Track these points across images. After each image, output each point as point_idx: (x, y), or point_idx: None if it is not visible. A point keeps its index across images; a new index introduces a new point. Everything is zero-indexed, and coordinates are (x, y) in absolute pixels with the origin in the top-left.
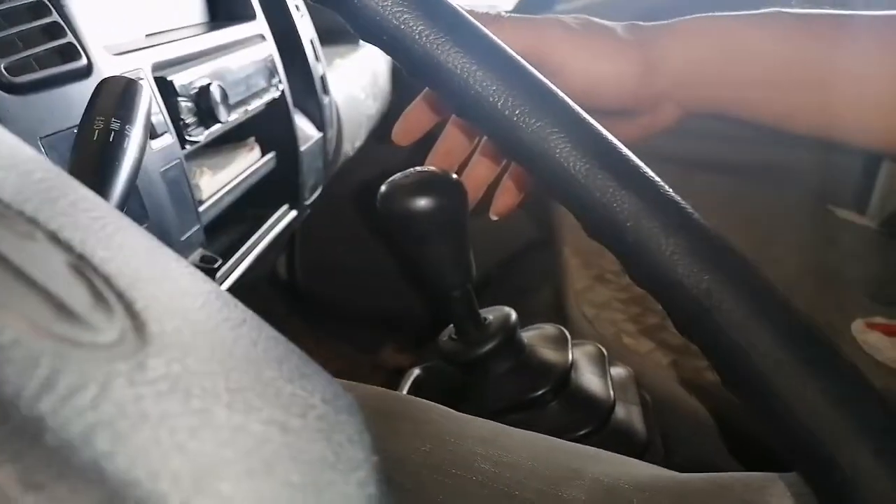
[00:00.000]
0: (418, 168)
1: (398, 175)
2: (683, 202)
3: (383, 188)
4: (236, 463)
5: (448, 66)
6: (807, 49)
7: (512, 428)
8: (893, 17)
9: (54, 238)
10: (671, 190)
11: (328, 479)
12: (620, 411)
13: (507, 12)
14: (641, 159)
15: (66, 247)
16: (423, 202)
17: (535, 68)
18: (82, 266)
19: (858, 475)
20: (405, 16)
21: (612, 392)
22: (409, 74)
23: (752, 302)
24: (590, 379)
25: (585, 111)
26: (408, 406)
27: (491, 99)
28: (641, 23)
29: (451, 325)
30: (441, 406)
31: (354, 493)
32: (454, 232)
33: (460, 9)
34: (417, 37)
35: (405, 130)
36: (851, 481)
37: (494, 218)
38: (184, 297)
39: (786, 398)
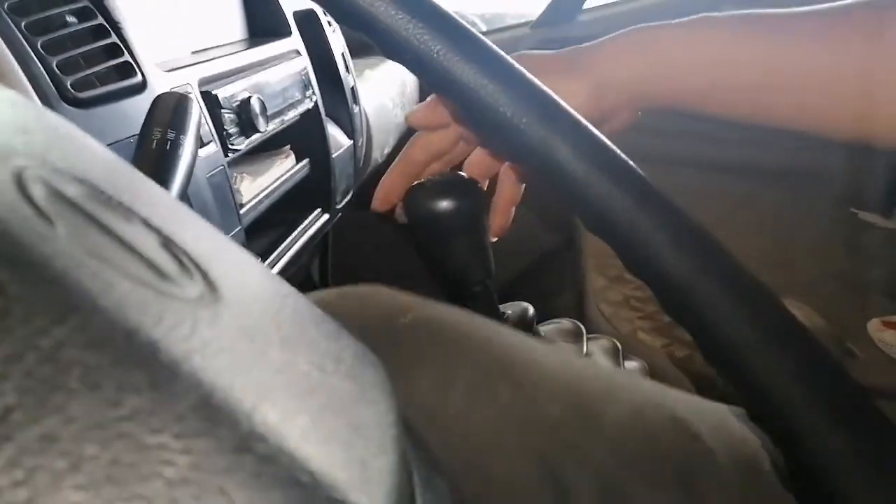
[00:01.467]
0: (440, 174)
1: (422, 181)
2: (668, 198)
3: (408, 193)
4: (287, 386)
5: (462, 80)
6: (738, 48)
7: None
8: (821, 10)
9: (146, 223)
10: (659, 187)
11: (355, 407)
12: None
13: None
14: (661, 162)
15: (154, 229)
16: (445, 204)
17: None
18: (168, 243)
19: (819, 447)
20: (425, 36)
21: None
22: (429, 87)
23: (724, 284)
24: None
25: None
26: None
27: (500, 109)
28: (580, 46)
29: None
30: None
31: (376, 419)
32: (474, 230)
33: (474, 30)
34: (435, 55)
35: (384, 199)
36: (813, 452)
37: (494, 239)
38: (242, 270)
39: (753, 373)
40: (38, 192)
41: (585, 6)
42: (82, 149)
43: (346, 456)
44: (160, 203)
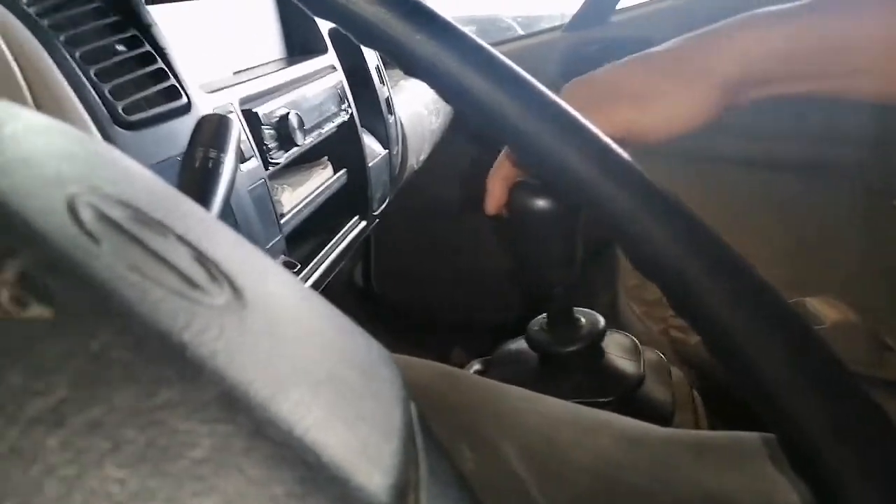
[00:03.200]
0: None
1: (526, 179)
2: (673, 195)
3: (513, 189)
4: (303, 380)
5: (476, 92)
6: (858, 29)
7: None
8: None
9: (180, 238)
10: (663, 186)
11: (365, 399)
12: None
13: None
14: (696, 159)
15: (187, 243)
16: (547, 203)
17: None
18: (200, 257)
19: (819, 440)
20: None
21: (673, 402)
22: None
23: (726, 281)
24: (654, 388)
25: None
26: (457, 371)
27: (511, 118)
28: (689, 38)
29: (545, 316)
30: (485, 378)
31: (384, 410)
32: (569, 233)
33: (493, 49)
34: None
35: (495, 205)
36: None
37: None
38: (267, 277)
39: (754, 366)
40: (87, 215)
41: (619, 7)
42: (125, 172)
43: (353, 442)
44: (195, 219)
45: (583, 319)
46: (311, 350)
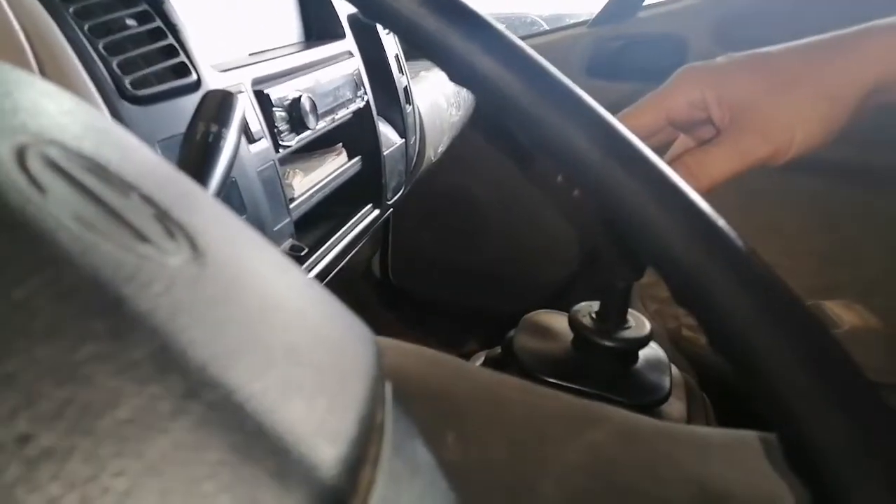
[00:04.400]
0: None
1: None
2: (682, 185)
3: None
4: (258, 347)
5: (510, 93)
6: None
7: (545, 387)
8: None
9: (145, 198)
10: (672, 174)
11: (328, 370)
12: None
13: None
14: None
15: (152, 203)
16: None
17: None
18: (162, 216)
19: (825, 443)
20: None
21: (688, 419)
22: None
23: (734, 273)
24: (676, 405)
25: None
26: (452, 358)
27: (529, 110)
28: (815, 46)
29: (598, 303)
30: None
31: (346, 382)
32: None
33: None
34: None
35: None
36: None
37: None
38: (239, 244)
39: (758, 362)
40: (35, 165)
41: (646, 3)
42: (103, 133)
43: (305, 414)
44: (170, 184)
45: (632, 322)
46: (274, 321)
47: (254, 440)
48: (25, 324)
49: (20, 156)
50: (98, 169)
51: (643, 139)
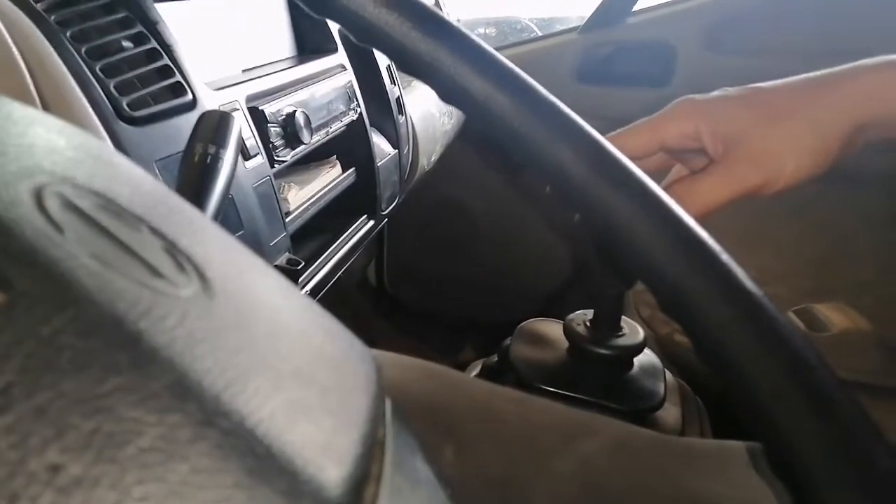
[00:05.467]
0: None
1: None
2: (665, 198)
3: None
4: (266, 372)
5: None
6: None
7: (538, 397)
8: None
9: (154, 230)
10: (656, 188)
11: (332, 392)
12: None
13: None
14: None
15: (160, 235)
16: None
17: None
18: (171, 248)
19: (802, 447)
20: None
21: (682, 427)
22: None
23: (715, 284)
24: (671, 411)
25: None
26: (447, 371)
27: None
28: (806, 83)
29: (591, 311)
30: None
31: (350, 403)
32: None
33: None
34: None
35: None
36: (793, 452)
37: None
38: (243, 271)
39: (740, 371)
40: (53, 205)
41: (634, 8)
42: (107, 166)
43: (311, 435)
44: (175, 214)
45: (626, 329)
46: (279, 345)
47: (266, 463)
48: (52, 359)
49: (38, 197)
50: (109, 205)
51: (633, 160)
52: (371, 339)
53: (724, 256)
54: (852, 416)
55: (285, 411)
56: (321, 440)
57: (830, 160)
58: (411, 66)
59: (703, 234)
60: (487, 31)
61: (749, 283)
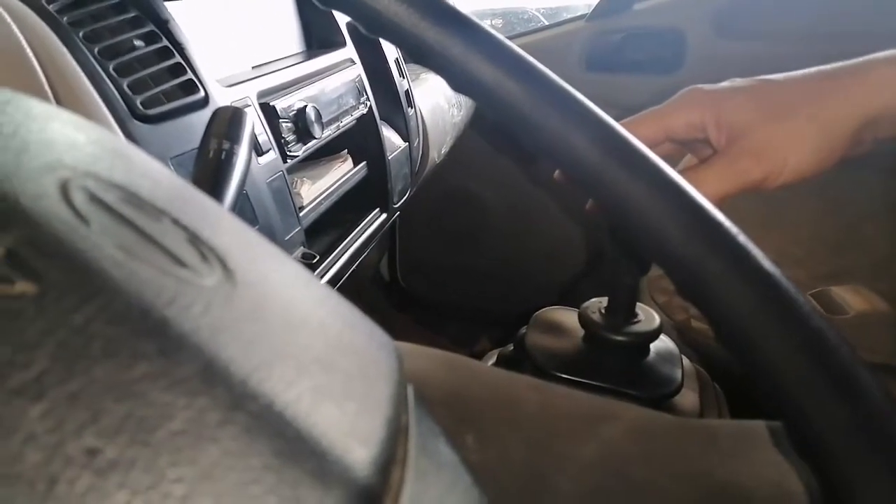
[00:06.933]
0: None
1: None
2: (680, 181)
3: None
4: (290, 358)
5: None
6: None
7: (557, 384)
8: None
9: (175, 222)
10: (670, 171)
11: (355, 377)
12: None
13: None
14: None
15: (182, 227)
16: None
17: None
18: (193, 239)
19: (824, 427)
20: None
21: (701, 411)
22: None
23: (734, 266)
24: (689, 397)
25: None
26: (466, 360)
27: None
28: (814, 77)
29: (606, 299)
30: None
31: (372, 388)
32: None
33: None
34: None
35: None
36: (817, 433)
37: None
38: (267, 263)
39: (762, 353)
40: (78, 198)
41: None
42: (127, 160)
43: (337, 418)
44: (194, 205)
45: (641, 316)
46: (302, 333)
47: (294, 445)
48: (84, 347)
49: (64, 190)
50: (131, 197)
51: None
52: (387, 331)
53: (742, 237)
54: (874, 395)
55: (311, 395)
56: (347, 424)
57: (835, 157)
58: (422, 55)
59: (720, 215)
60: (494, 21)
61: (768, 264)
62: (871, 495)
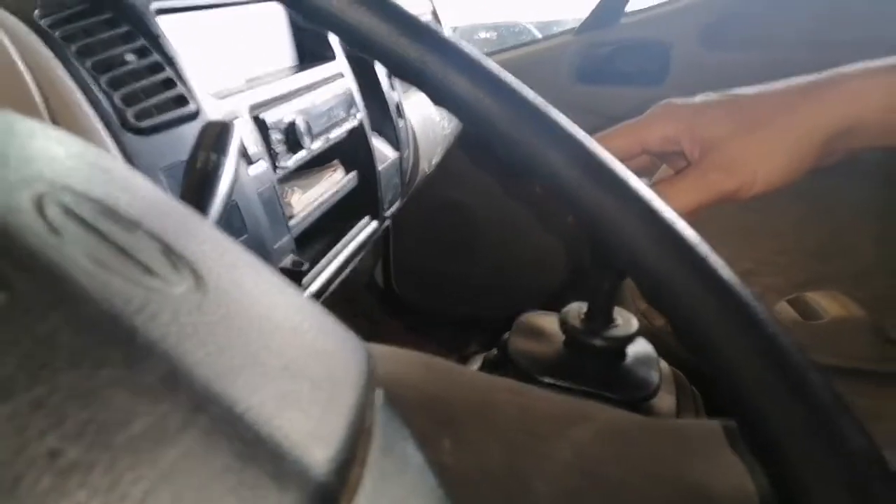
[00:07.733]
0: None
1: None
2: (648, 194)
3: None
4: (257, 363)
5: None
6: None
7: (536, 387)
8: None
9: (150, 233)
10: (637, 184)
11: (322, 382)
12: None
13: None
14: None
15: (156, 237)
16: None
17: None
18: (166, 249)
19: (776, 426)
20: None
21: (677, 412)
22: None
23: (696, 275)
24: (665, 399)
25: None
26: (445, 363)
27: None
28: (785, 90)
29: (585, 304)
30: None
31: (338, 392)
32: None
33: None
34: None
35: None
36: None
37: None
38: (240, 271)
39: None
40: (52, 211)
41: (629, 9)
42: (108, 174)
43: (299, 422)
44: (170, 216)
45: (619, 319)
46: (271, 340)
47: (254, 447)
48: (49, 355)
49: (38, 204)
50: (107, 210)
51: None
52: (379, 336)
53: (704, 248)
54: (825, 396)
55: (274, 401)
56: (308, 427)
57: (805, 168)
58: (402, 72)
59: (684, 227)
60: (488, 35)
61: (727, 274)
62: (823, 496)
